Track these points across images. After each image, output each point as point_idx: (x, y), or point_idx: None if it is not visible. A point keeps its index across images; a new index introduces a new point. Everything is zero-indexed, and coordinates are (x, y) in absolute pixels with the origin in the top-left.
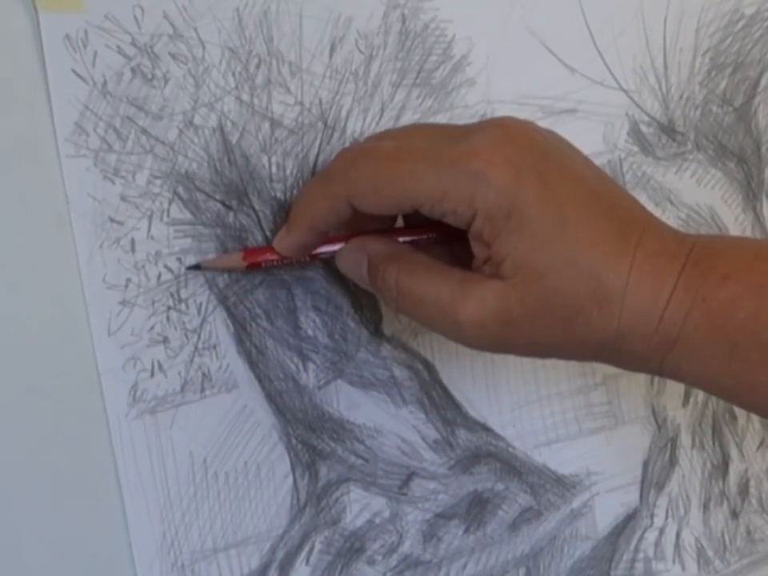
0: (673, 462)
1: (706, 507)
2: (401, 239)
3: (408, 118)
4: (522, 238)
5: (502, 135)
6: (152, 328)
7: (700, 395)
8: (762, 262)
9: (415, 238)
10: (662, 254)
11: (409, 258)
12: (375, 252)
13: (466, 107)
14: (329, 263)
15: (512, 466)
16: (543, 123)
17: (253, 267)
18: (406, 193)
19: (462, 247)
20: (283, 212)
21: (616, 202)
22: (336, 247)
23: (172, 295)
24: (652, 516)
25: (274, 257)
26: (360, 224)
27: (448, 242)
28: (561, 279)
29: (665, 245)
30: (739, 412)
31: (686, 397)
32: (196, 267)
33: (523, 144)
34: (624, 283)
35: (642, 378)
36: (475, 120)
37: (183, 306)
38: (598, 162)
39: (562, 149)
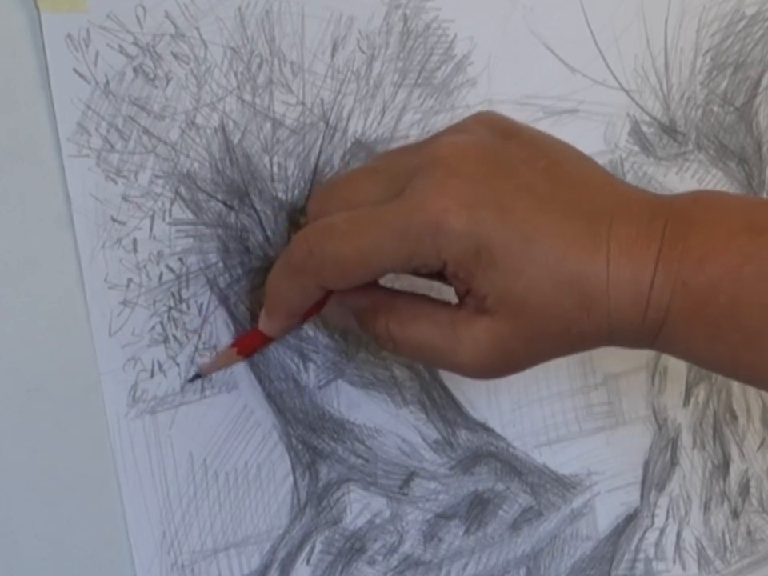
0: (673, 462)
1: (706, 507)
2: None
3: (409, 118)
4: (496, 272)
5: (444, 174)
6: (153, 328)
7: (701, 395)
8: (737, 237)
9: None
10: (636, 240)
11: (393, 306)
12: (357, 306)
13: (467, 107)
14: None
15: (512, 466)
16: (544, 123)
17: (249, 356)
18: (372, 267)
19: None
20: (284, 212)
21: (577, 190)
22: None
23: (173, 295)
24: (653, 516)
25: (266, 341)
26: None
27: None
28: (544, 300)
29: (637, 227)
30: (740, 411)
31: (687, 397)
32: (197, 377)
33: (468, 174)
34: (605, 281)
35: (642, 377)
36: None
37: (184, 306)
38: (598, 161)
39: (508, 155)
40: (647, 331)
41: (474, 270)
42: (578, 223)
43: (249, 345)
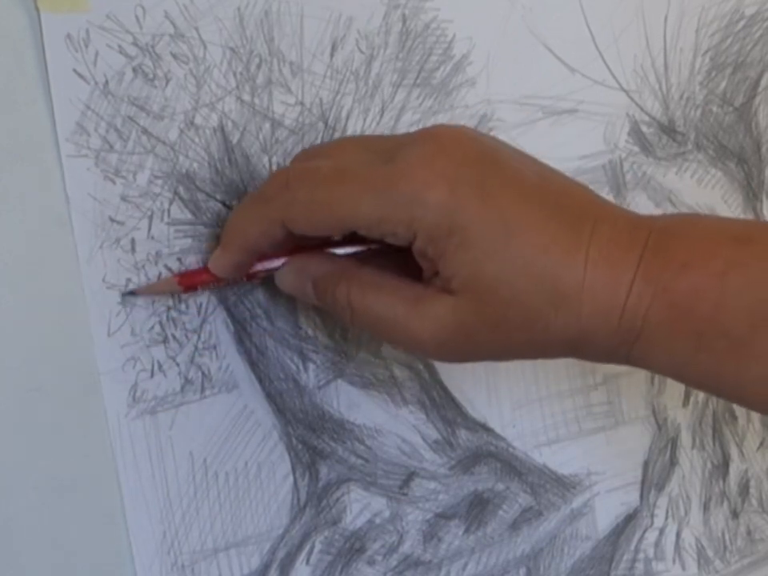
0: (673, 461)
1: (706, 507)
2: (342, 252)
3: (408, 118)
4: (467, 254)
5: (433, 149)
6: (152, 328)
7: (700, 395)
8: (722, 246)
9: (357, 249)
10: (617, 246)
11: (356, 275)
12: (319, 272)
13: (466, 107)
14: None
15: (512, 466)
16: (543, 123)
17: (189, 290)
18: (342, 217)
19: (409, 254)
20: None
21: (564, 195)
22: (274, 264)
23: (172, 295)
24: (652, 516)
25: (210, 278)
26: (297, 239)
27: (394, 251)
28: (514, 290)
29: (619, 234)
30: (739, 412)
31: (687, 397)
32: (132, 293)
33: (457, 155)
34: (580, 282)
35: (642, 377)
36: (474, 121)
37: (183, 306)
38: (598, 162)
39: (499, 150)
40: (622, 340)
41: (443, 248)
42: (561, 223)
43: (192, 278)
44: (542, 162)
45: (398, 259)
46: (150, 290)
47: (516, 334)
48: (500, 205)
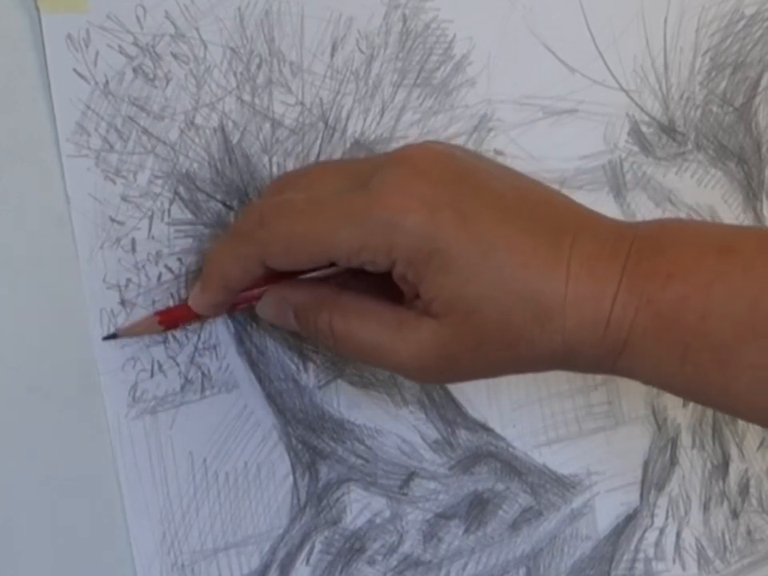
0: (673, 462)
1: (706, 507)
2: (322, 274)
3: (408, 118)
4: (447, 277)
5: (408, 171)
6: None
7: None
8: (707, 257)
9: (337, 270)
10: (599, 258)
11: (337, 302)
12: (299, 301)
13: (467, 107)
14: None
15: (512, 466)
16: (543, 123)
17: (170, 329)
18: (320, 250)
19: (389, 277)
20: None
21: (543, 207)
22: (254, 293)
23: (172, 296)
24: (652, 516)
25: (191, 316)
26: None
27: (373, 273)
28: (495, 309)
29: (601, 245)
30: None
31: None
32: (113, 336)
33: (433, 176)
34: (562, 297)
35: None
36: (474, 121)
37: None
38: (598, 162)
39: (475, 165)
40: (608, 352)
41: (423, 272)
42: (540, 238)
43: (172, 317)
44: (520, 172)
45: (379, 280)
46: (131, 332)
47: (501, 352)
48: (478, 225)
